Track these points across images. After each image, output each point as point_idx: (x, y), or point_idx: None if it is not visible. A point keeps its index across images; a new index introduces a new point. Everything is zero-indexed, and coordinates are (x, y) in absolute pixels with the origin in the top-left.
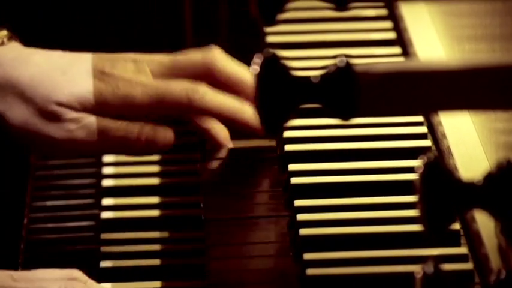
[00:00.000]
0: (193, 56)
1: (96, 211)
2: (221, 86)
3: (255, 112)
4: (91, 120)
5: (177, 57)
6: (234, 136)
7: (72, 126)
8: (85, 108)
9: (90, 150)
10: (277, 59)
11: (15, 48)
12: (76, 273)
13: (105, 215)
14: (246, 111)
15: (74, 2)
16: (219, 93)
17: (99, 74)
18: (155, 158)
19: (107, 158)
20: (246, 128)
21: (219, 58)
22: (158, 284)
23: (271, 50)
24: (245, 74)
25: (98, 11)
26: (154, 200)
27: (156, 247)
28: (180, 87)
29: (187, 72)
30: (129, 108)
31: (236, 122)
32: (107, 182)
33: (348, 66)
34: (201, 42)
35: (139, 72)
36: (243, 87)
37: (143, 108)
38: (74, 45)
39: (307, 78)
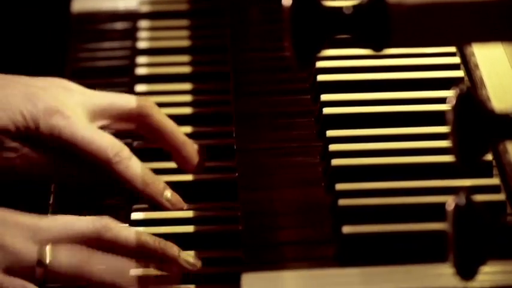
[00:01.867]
0: (130, 103)
1: (128, 140)
2: (151, 135)
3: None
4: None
5: (114, 101)
6: (264, 71)
7: (11, 154)
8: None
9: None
10: None
11: None
12: (106, 219)
13: (139, 144)
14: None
15: None
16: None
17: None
18: (188, 87)
19: (140, 88)
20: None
21: (155, 110)
22: (190, 213)
23: None
24: (175, 127)
25: None
26: (187, 129)
27: (188, 177)
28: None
29: (121, 117)
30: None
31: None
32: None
33: None
34: None
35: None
36: (172, 139)
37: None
38: None
39: (340, 8)
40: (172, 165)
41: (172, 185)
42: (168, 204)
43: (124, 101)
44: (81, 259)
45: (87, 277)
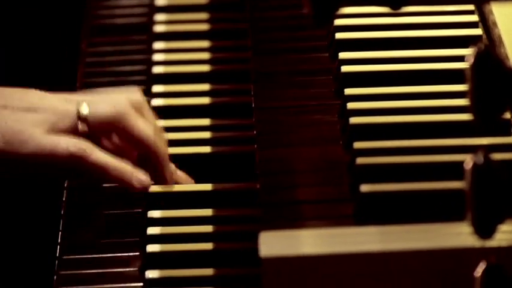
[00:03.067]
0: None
1: (146, 98)
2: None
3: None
4: None
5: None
6: (282, 29)
7: None
8: None
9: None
10: None
11: None
12: (135, 91)
13: (156, 102)
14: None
15: None
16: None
17: None
18: (206, 44)
19: (157, 45)
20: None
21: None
22: (208, 172)
23: None
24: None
25: None
26: (205, 87)
27: (206, 134)
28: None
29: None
30: None
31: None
32: (157, 69)
33: None
34: None
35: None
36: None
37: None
38: None
39: None
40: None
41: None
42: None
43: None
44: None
45: (128, 124)
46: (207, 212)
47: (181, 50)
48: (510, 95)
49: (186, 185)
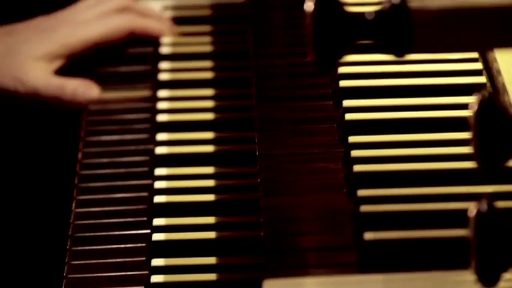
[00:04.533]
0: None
1: (150, 146)
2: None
3: None
4: None
5: None
6: (286, 76)
7: None
8: None
9: None
10: None
11: None
12: None
13: (160, 150)
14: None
15: None
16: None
17: None
18: (210, 92)
19: (162, 93)
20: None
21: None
22: (212, 219)
23: None
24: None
25: None
26: (209, 135)
27: (210, 182)
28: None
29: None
30: None
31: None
32: (161, 117)
33: (403, 2)
34: None
35: None
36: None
37: None
38: None
39: (362, 14)
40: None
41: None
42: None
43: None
44: None
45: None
46: (211, 260)
47: (186, 98)
48: None
49: (189, 233)
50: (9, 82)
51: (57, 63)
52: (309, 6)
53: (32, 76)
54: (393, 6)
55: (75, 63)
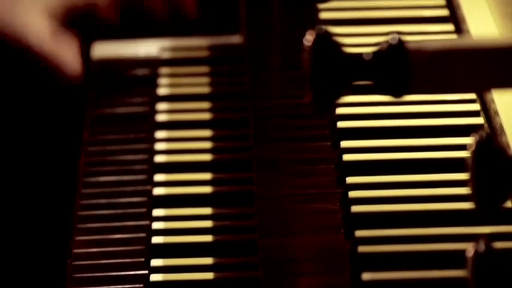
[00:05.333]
0: None
1: (148, 187)
2: None
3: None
4: None
5: None
6: (284, 117)
7: None
8: None
9: None
10: (329, 35)
11: None
12: None
13: (158, 191)
14: None
15: None
16: None
17: None
18: (208, 133)
19: (160, 134)
20: None
21: None
22: (210, 260)
23: (324, 27)
24: None
25: None
26: (207, 176)
27: (208, 223)
28: None
29: None
30: None
31: None
32: (159, 158)
33: (400, 43)
34: (253, 16)
35: None
36: None
37: None
38: None
39: (359, 55)
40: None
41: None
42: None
43: None
44: None
45: None
46: None
47: (184, 139)
48: (511, 182)
49: (187, 273)
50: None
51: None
52: (306, 46)
53: (32, 28)
54: (390, 46)
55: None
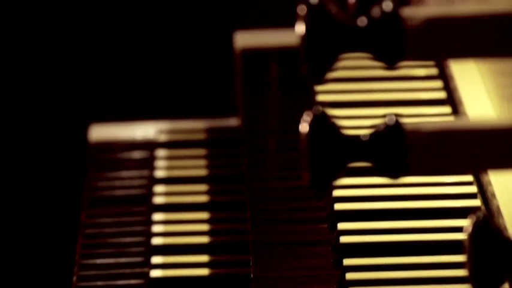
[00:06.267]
0: None
1: (145, 269)
2: None
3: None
4: None
5: None
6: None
7: None
8: None
9: None
10: (326, 116)
11: None
12: None
13: (155, 273)
14: None
15: None
16: None
17: None
18: (205, 216)
19: (157, 216)
20: None
21: None
22: None
23: (321, 108)
24: None
25: None
26: (204, 258)
27: None
28: None
29: None
30: None
31: None
32: (156, 240)
33: (397, 124)
34: (250, 99)
35: None
36: None
37: None
38: None
39: (357, 136)
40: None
41: None
42: None
43: None
44: None
45: None
46: None
47: (181, 221)
48: (509, 266)
49: None
50: None
51: None
52: (303, 128)
53: None
54: (387, 127)
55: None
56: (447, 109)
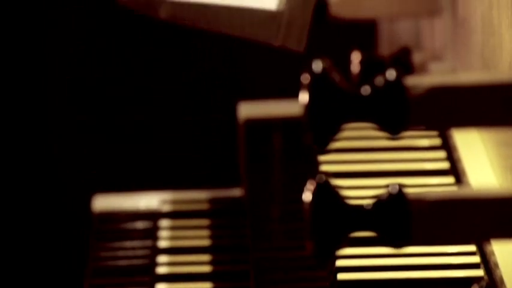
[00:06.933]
0: None
1: None
2: None
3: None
4: None
5: None
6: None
7: None
8: None
9: None
10: (330, 185)
11: None
12: None
13: None
14: None
15: None
16: None
17: None
18: (208, 286)
19: (160, 287)
20: None
21: None
22: None
23: (324, 177)
24: None
25: None
26: None
27: None
28: None
29: None
30: None
31: None
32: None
33: (400, 193)
34: (254, 169)
35: None
36: None
37: None
38: None
39: (360, 205)
40: None
41: None
42: None
43: None
44: None
45: None
46: None
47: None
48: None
49: None
50: None
51: None
52: (307, 196)
53: None
54: (391, 196)
55: None
56: (450, 179)
